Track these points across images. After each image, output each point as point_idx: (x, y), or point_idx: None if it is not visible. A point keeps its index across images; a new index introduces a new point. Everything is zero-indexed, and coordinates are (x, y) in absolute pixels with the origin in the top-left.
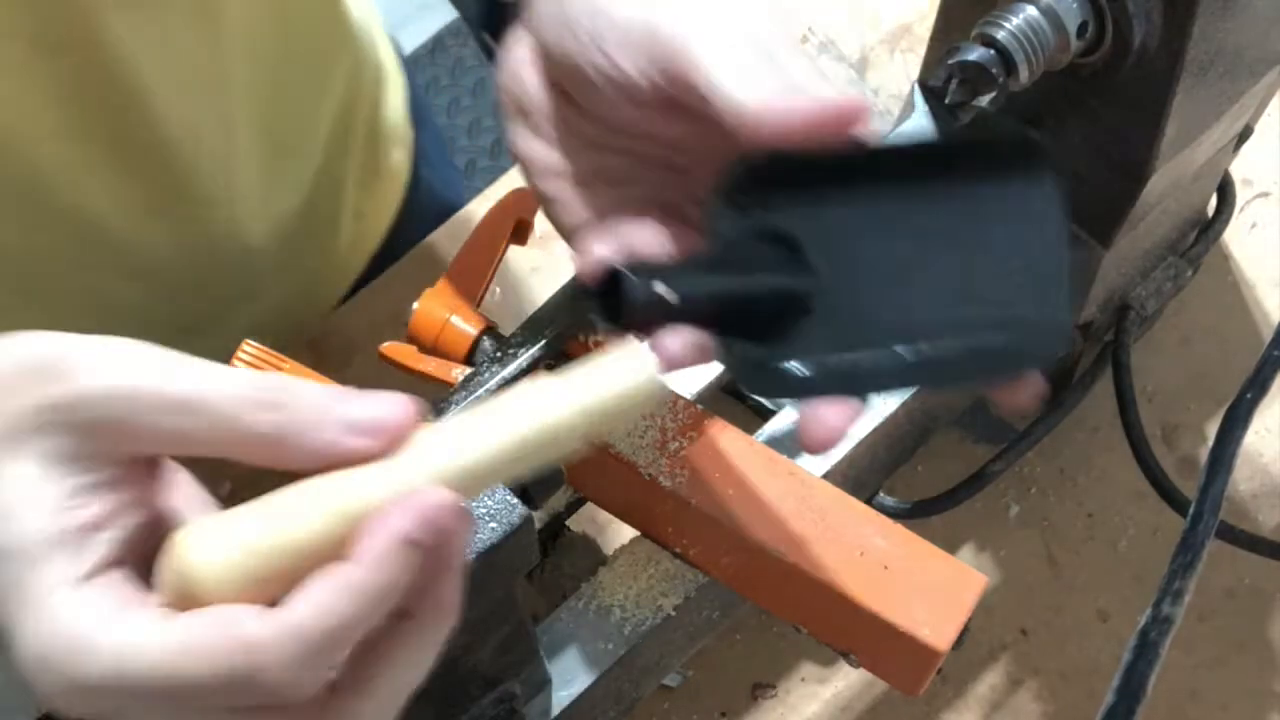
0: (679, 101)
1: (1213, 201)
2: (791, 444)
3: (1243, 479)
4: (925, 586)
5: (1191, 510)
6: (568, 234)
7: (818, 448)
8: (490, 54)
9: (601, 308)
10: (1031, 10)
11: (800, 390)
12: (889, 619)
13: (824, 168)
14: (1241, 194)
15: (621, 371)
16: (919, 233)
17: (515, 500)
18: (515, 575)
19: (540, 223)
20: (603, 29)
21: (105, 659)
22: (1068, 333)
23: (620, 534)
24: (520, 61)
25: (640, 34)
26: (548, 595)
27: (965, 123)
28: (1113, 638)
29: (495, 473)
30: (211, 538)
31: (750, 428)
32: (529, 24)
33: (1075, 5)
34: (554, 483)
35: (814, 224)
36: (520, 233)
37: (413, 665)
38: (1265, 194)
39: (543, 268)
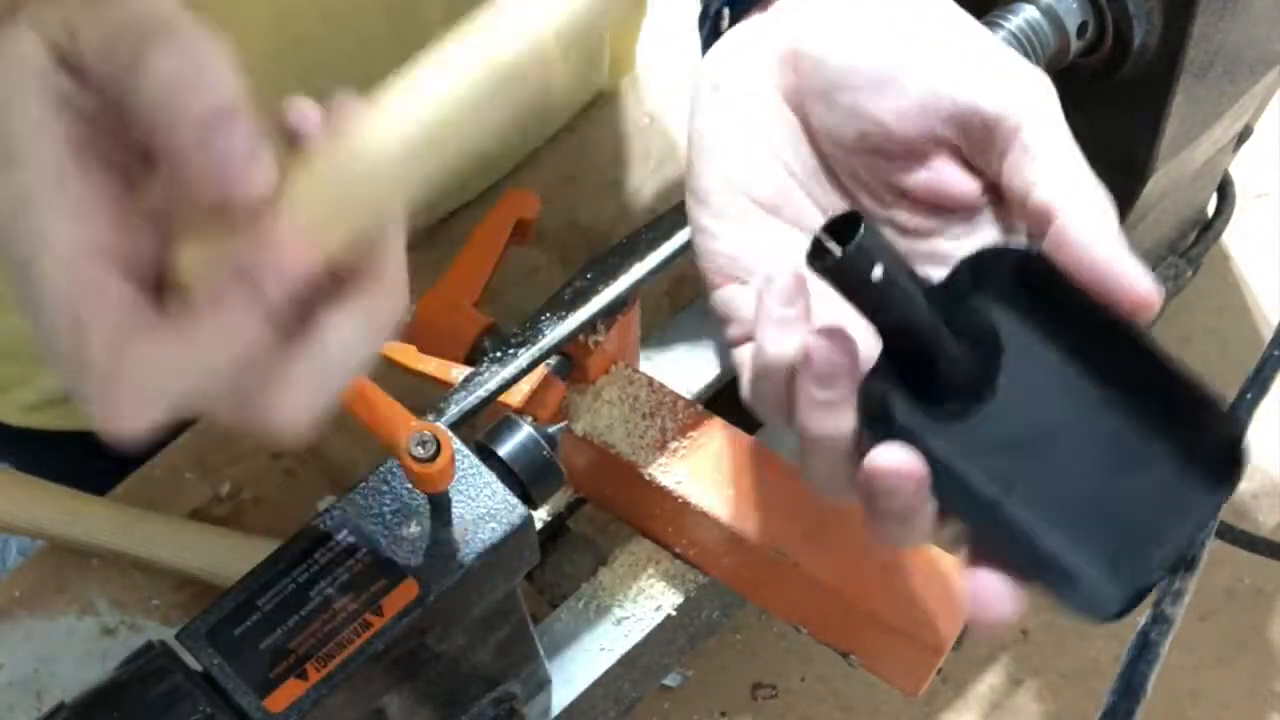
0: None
1: (1213, 201)
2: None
3: (1243, 479)
4: (925, 586)
5: None
6: None
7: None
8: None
9: (819, 240)
10: (1031, 10)
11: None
12: (889, 619)
13: (1064, 301)
14: (1241, 194)
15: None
16: (1095, 416)
17: (515, 500)
18: (515, 575)
19: (540, 223)
20: (894, 106)
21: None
22: (1114, 611)
23: (620, 534)
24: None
25: (974, 124)
26: (548, 595)
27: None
28: (1113, 638)
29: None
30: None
31: (750, 428)
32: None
33: (1075, 5)
34: (554, 483)
35: (1021, 343)
36: (520, 233)
37: (358, 332)
38: (1265, 194)
39: (542, 268)
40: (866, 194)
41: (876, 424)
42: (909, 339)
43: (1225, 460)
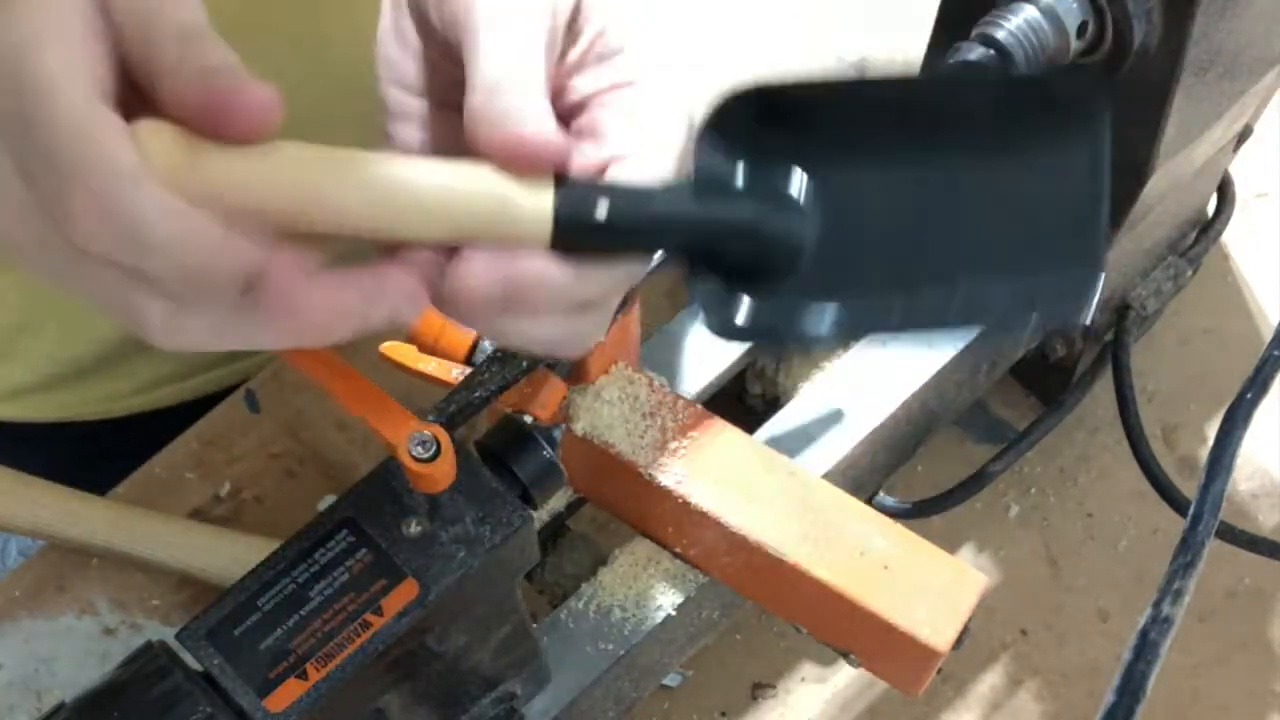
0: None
1: (1213, 201)
2: (791, 444)
3: (1243, 479)
4: (925, 586)
5: (1191, 510)
6: None
7: None
8: None
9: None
10: (1031, 10)
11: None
12: (889, 619)
13: (826, 103)
14: (1241, 194)
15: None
16: (937, 169)
17: (515, 500)
18: (515, 575)
19: None
20: None
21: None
22: (1092, 292)
23: (620, 534)
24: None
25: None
26: (548, 595)
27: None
28: (1113, 638)
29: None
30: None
31: (750, 428)
32: None
33: (1075, 5)
34: (554, 483)
35: (817, 158)
36: None
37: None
38: (1265, 194)
39: None
40: None
41: (764, 337)
42: (696, 242)
43: (1087, 107)
